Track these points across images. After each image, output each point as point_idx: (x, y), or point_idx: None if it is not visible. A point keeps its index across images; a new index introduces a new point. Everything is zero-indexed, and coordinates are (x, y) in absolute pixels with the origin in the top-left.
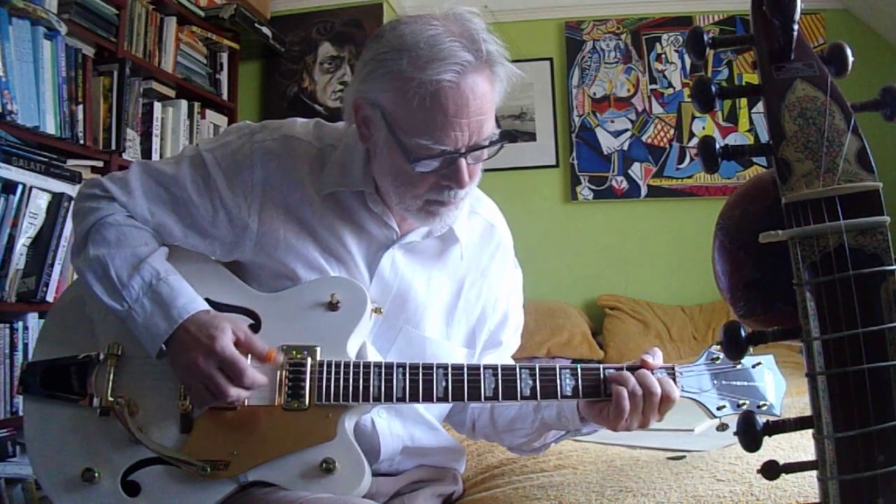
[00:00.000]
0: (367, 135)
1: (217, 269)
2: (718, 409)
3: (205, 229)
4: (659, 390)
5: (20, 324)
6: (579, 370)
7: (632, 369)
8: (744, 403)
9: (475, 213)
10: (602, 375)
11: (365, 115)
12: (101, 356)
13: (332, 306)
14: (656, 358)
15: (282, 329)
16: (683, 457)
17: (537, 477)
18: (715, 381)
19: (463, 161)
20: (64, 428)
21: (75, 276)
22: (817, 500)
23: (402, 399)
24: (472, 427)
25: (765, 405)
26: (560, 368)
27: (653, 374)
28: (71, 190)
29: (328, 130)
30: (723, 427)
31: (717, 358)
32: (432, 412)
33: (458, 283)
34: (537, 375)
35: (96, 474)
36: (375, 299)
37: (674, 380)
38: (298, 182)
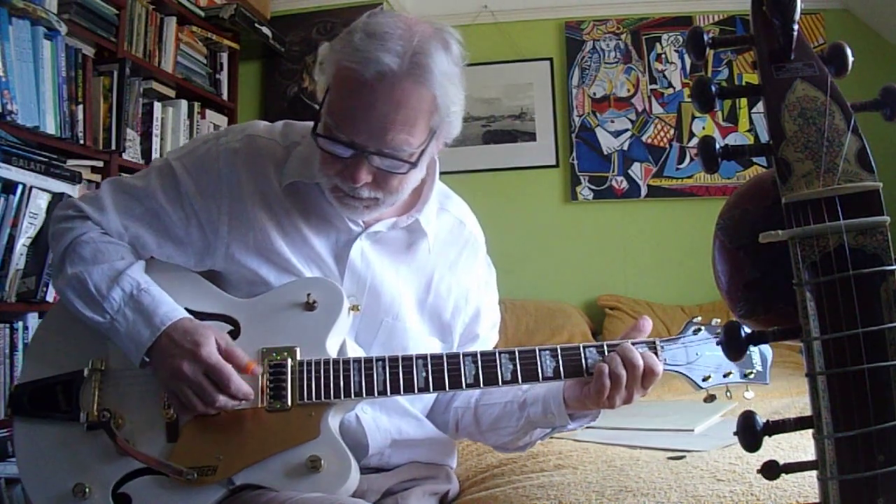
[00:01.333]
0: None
1: (193, 278)
2: (704, 380)
3: (179, 238)
4: (641, 363)
5: (20, 324)
6: (559, 350)
7: (611, 346)
8: (730, 373)
9: (445, 210)
10: (583, 354)
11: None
12: (86, 372)
13: (309, 306)
14: (645, 329)
15: (261, 333)
16: (683, 457)
17: (537, 477)
18: (698, 353)
19: (363, 160)
20: (53, 445)
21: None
22: (817, 500)
23: (383, 392)
24: (455, 427)
25: (752, 373)
26: (539, 350)
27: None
28: (71, 190)
29: (295, 128)
30: (710, 398)
31: (699, 329)
32: (416, 405)
33: (427, 276)
34: (517, 359)
35: (87, 489)
36: (351, 293)
37: (655, 353)
38: (264, 179)
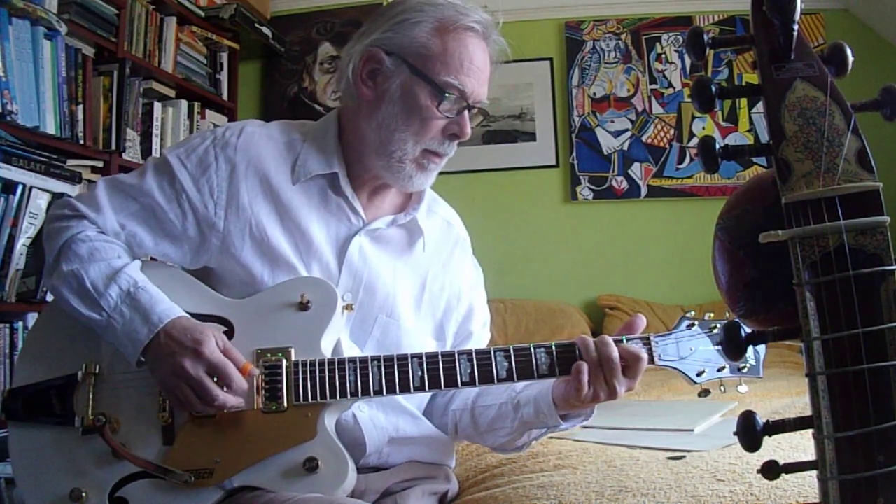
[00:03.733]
0: (370, 87)
1: (187, 279)
2: (698, 374)
3: (175, 235)
4: (617, 356)
5: (20, 324)
6: (554, 347)
7: None
8: (723, 367)
9: (433, 212)
10: (577, 350)
11: (374, 68)
12: (80, 376)
13: (303, 306)
14: (638, 327)
15: (255, 334)
16: (683, 457)
17: (537, 477)
18: (692, 348)
19: (467, 113)
20: (48, 449)
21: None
22: (817, 500)
23: (379, 392)
24: (454, 430)
25: (745, 367)
26: (534, 347)
27: (624, 342)
28: (71, 190)
29: (292, 125)
30: (704, 393)
31: (693, 324)
32: (412, 402)
33: (422, 275)
34: (512, 356)
35: (84, 494)
36: (347, 288)
37: (650, 350)
38: (264, 175)
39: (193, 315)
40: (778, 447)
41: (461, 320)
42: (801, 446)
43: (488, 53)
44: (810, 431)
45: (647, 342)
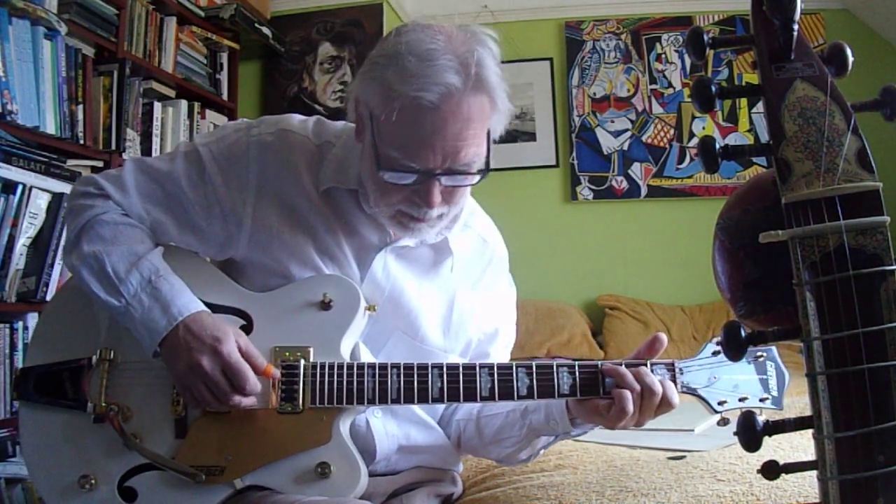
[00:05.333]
0: (360, 131)
1: (208, 268)
2: (720, 403)
3: (200, 227)
4: (660, 391)
5: (20, 324)
6: (577, 368)
7: (630, 366)
8: (745, 398)
9: (469, 227)
10: (600, 372)
11: (360, 113)
12: (94, 361)
13: (325, 305)
14: (660, 348)
15: (274, 330)
16: (683, 457)
17: (537, 477)
18: (716, 376)
19: (435, 182)
20: (59, 434)
21: (69, 277)
22: (817, 500)
23: (396, 400)
24: (457, 442)
25: (767, 399)
26: (557, 366)
27: (653, 371)
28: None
29: (327, 128)
30: (724, 422)
31: (719, 351)
32: (428, 410)
33: (450, 295)
34: (534, 373)
35: (93, 481)
36: (367, 300)
37: (673, 375)
38: (295, 177)
39: (213, 306)
40: (778, 447)
41: (483, 339)
42: (801, 446)
43: (462, 112)
44: (810, 431)
45: (671, 369)
